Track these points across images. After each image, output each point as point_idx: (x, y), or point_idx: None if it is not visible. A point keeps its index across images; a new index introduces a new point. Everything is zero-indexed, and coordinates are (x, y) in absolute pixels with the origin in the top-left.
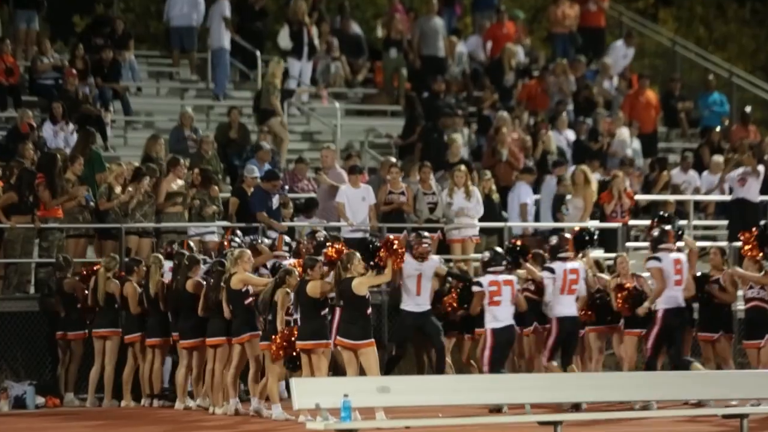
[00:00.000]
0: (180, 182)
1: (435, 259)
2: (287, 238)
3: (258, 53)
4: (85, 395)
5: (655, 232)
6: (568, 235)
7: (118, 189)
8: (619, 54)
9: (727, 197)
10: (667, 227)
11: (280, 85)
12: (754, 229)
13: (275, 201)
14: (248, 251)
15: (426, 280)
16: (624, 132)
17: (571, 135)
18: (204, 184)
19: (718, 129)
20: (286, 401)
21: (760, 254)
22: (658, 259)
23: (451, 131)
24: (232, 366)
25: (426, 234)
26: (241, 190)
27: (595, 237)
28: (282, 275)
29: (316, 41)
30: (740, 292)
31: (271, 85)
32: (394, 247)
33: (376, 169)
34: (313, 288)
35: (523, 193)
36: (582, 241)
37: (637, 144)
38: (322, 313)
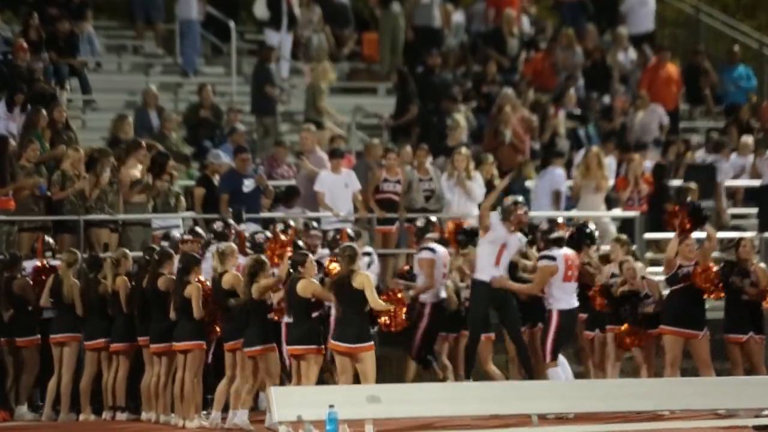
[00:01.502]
0: (141, 168)
1: (521, 237)
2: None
3: (232, 24)
4: (43, 408)
5: (419, 222)
6: (560, 219)
7: (78, 176)
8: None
9: (757, 182)
10: (433, 218)
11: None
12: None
13: (247, 183)
14: (234, 245)
15: (507, 252)
16: (647, 114)
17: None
18: (155, 171)
19: (746, 106)
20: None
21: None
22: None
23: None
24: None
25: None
26: (206, 179)
27: (596, 234)
28: (294, 264)
29: (297, 10)
30: None
31: (317, 89)
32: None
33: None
34: (304, 287)
35: (557, 179)
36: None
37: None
38: (314, 315)
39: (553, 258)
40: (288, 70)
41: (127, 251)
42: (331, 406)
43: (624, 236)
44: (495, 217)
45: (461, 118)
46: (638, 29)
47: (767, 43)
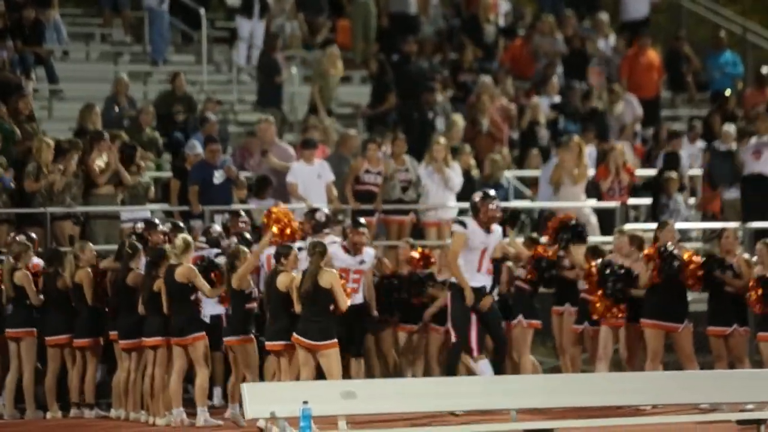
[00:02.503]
0: (105, 159)
1: (498, 231)
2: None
3: (202, 11)
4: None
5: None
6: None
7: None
8: None
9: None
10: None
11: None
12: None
13: (218, 175)
14: (190, 238)
15: (488, 254)
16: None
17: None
18: (123, 162)
19: (728, 93)
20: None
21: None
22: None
23: (440, 109)
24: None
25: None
26: (182, 170)
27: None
28: (231, 260)
29: None
30: None
31: (323, 78)
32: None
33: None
34: (282, 280)
35: None
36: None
37: (639, 110)
38: (291, 309)
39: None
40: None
41: (88, 243)
42: (305, 403)
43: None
44: (469, 222)
45: (459, 118)
46: (632, 15)
47: (751, 28)
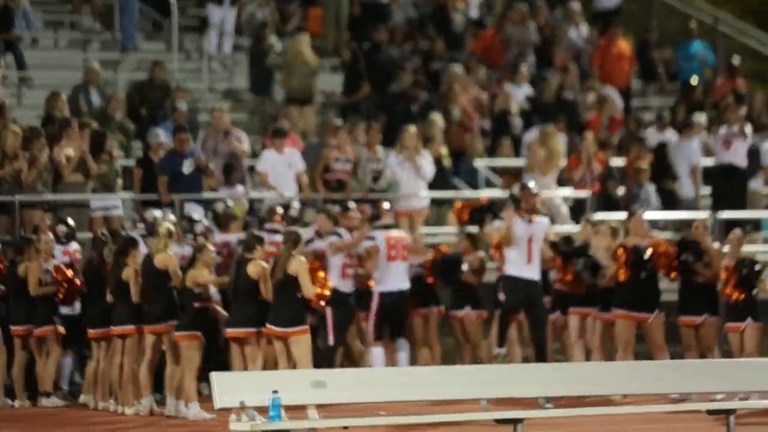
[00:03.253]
0: (73, 147)
1: (545, 220)
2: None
3: None
4: None
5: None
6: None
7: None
8: None
9: (711, 161)
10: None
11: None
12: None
13: (187, 164)
14: (173, 227)
15: (536, 245)
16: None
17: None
18: (93, 151)
19: (694, 82)
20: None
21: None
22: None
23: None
24: (146, 359)
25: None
26: (146, 159)
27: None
28: (194, 253)
29: None
30: None
31: (301, 63)
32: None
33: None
34: (254, 269)
35: None
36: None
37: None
38: (259, 297)
39: (372, 238)
40: (231, 46)
41: (45, 234)
42: (275, 392)
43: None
44: (511, 217)
45: (438, 117)
46: (604, 4)
47: (722, 18)
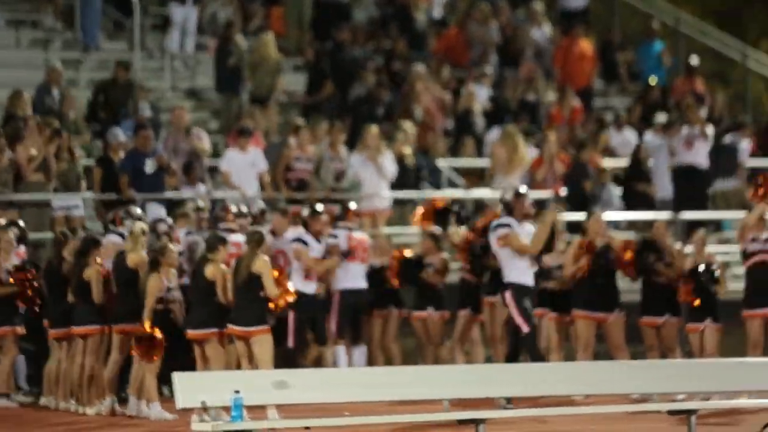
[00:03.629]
0: (35, 147)
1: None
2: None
3: None
4: None
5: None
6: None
7: None
8: None
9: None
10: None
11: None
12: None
13: (149, 163)
14: (145, 226)
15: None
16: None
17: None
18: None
19: (653, 82)
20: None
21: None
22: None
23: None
24: (111, 359)
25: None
26: (105, 159)
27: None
28: (154, 255)
29: None
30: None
31: (265, 62)
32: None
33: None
34: (211, 270)
35: None
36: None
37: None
38: (216, 299)
39: (335, 237)
40: (193, 46)
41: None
42: (237, 392)
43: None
44: (510, 221)
45: (409, 126)
46: (571, 5)
47: (683, 18)
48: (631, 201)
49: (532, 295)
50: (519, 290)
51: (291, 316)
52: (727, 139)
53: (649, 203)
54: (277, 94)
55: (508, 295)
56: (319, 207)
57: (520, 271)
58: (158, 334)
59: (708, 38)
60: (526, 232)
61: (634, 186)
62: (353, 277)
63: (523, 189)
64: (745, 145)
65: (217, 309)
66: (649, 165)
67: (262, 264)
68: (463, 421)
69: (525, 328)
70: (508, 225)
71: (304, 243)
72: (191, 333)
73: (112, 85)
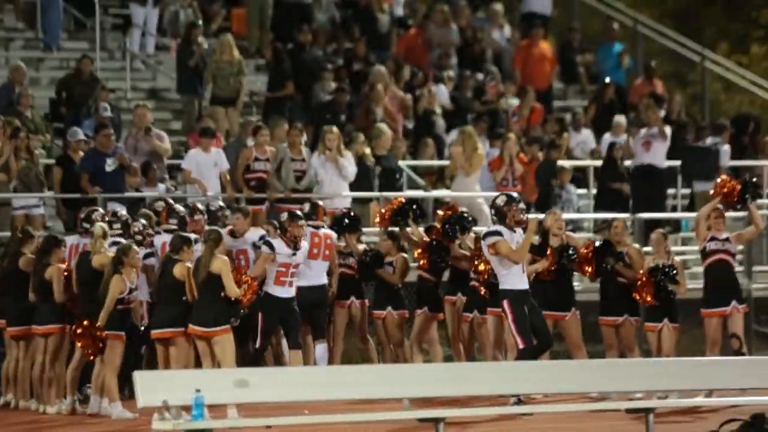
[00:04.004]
0: None
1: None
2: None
3: None
4: None
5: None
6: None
7: None
8: None
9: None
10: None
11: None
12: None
13: (110, 162)
14: (106, 227)
15: None
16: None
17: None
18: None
19: (607, 80)
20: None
21: None
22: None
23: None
24: (75, 358)
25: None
26: (65, 158)
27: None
28: (118, 255)
29: None
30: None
31: (227, 63)
32: None
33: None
34: (180, 270)
35: None
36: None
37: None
38: (184, 298)
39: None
40: (154, 46)
41: None
42: (198, 391)
43: None
44: (501, 228)
45: (385, 127)
46: (534, 8)
47: (641, 20)
48: (606, 200)
49: (529, 299)
50: (516, 297)
51: (260, 317)
52: (708, 141)
53: (624, 203)
54: (241, 96)
55: (505, 304)
56: (299, 213)
57: (515, 278)
58: (101, 333)
59: (666, 40)
60: (518, 239)
61: (609, 185)
62: (315, 275)
63: (515, 194)
64: (726, 147)
65: (182, 309)
66: (625, 165)
67: (221, 264)
68: (424, 420)
69: (521, 344)
70: (498, 233)
71: (270, 245)
72: (157, 332)
73: (75, 80)
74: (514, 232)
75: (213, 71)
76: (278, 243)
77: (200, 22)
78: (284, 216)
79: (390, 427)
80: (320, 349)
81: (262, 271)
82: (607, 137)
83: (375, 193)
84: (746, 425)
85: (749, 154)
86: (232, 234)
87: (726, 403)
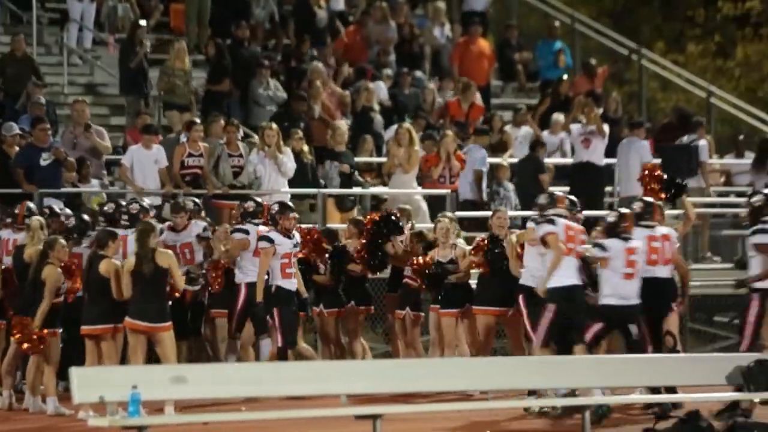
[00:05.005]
0: None
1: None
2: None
3: None
4: None
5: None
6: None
7: None
8: None
9: (569, 160)
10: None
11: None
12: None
13: (45, 157)
14: (42, 220)
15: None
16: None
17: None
18: None
19: (565, 77)
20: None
21: None
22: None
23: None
24: (9, 353)
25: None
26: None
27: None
28: (45, 247)
29: None
30: None
31: (180, 70)
32: None
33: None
34: (105, 266)
35: (479, 159)
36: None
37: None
38: (111, 294)
39: (246, 232)
40: (91, 41)
41: None
42: (134, 387)
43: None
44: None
45: (342, 124)
46: (474, 6)
47: (579, 18)
48: (579, 198)
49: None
50: (531, 294)
51: (276, 314)
52: (686, 139)
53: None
54: (194, 103)
55: (521, 299)
56: (291, 204)
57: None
58: (42, 332)
59: (603, 38)
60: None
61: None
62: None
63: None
64: (704, 142)
65: (111, 305)
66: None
67: (168, 258)
68: (361, 417)
69: (536, 341)
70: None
71: (269, 239)
72: (86, 329)
73: (9, 59)
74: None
75: (165, 82)
76: (276, 236)
77: (144, 22)
78: (275, 208)
79: (328, 424)
80: (264, 344)
81: (266, 267)
82: (546, 135)
83: (313, 190)
84: (681, 422)
85: None
86: (173, 229)
87: (662, 400)
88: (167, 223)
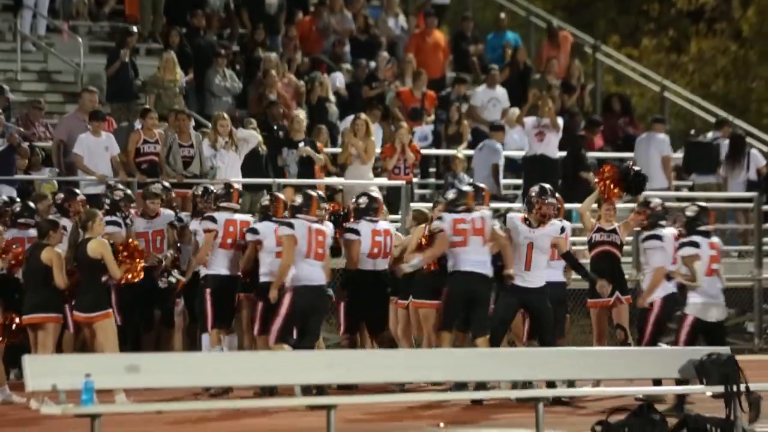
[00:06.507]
0: None
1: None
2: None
3: None
4: None
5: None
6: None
7: None
8: None
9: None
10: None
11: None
12: None
13: None
14: None
15: (539, 252)
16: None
17: (341, 79)
18: None
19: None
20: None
21: None
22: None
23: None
24: None
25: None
26: None
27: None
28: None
29: None
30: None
31: (171, 82)
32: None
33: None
34: (46, 254)
35: (495, 153)
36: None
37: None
38: (53, 283)
39: (215, 220)
40: (45, 28)
41: None
42: (88, 375)
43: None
44: (512, 217)
45: (301, 113)
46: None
47: (534, 11)
48: (573, 190)
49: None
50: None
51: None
52: (710, 136)
53: (589, 192)
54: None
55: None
56: (279, 194)
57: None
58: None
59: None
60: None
61: (576, 174)
62: (224, 263)
63: (548, 187)
64: (726, 141)
65: (51, 294)
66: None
67: (101, 247)
68: (315, 407)
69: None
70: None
71: (291, 225)
72: (27, 318)
73: None
74: (535, 226)
75: (156, 95)
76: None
77: (135, 29)
78: (266, 198)
79: (282, 415)
80: (230, 341)
81: (292, 257)
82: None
83: (268, 180)
84: (633, 415)
85: None
86: (144, 215)
87: (613, 393)
88: (135, 210)
